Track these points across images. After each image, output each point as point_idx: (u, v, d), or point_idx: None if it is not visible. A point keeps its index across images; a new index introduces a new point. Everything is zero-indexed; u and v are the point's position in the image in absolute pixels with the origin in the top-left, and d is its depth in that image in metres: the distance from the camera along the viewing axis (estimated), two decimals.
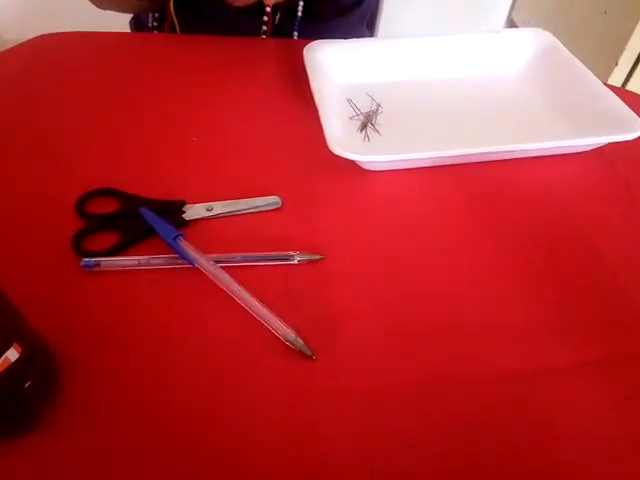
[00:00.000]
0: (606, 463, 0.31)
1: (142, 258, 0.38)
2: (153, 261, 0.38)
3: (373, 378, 0.34)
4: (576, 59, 0.55)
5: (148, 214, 0.40)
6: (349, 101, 0.54)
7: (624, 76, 1.26)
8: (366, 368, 0.34)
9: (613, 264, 0.41)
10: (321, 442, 0.31)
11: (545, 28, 0.59)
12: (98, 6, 0.67)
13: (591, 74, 0.53)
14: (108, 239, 0.40)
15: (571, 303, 0.38)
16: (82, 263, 0.38)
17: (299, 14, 0.69)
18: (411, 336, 0.36)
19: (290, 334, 0.34)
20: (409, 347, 0.35)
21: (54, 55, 0.60)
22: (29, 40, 0.61)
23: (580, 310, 0.38)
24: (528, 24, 1.63)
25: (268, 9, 0.67)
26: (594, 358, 0.35)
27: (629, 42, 1.19)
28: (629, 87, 1.27)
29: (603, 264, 0.41)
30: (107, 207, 0.42)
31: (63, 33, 0.61)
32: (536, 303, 0.38)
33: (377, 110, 0.53)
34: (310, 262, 0.40)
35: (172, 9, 0.69)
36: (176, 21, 0.70)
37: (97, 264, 0.38)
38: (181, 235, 0.39)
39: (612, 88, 0.51)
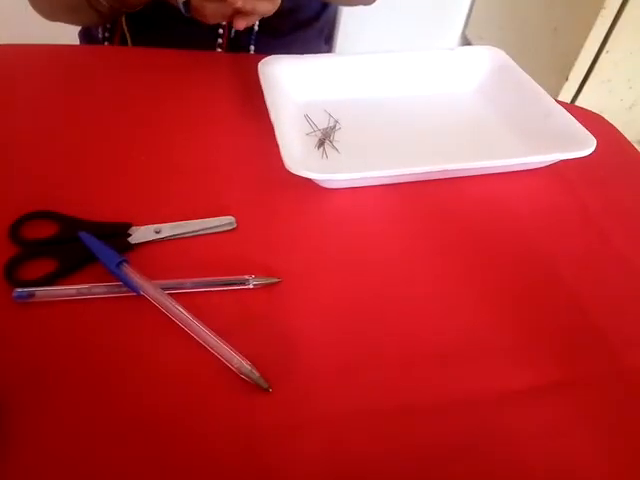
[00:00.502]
0: None
1: (82, 287, 0.35)
2: (94, 290, 0.36)
3: (333, 408, 0.32)
4: (529, 77, 0.56)
5: (88, 238, 0.37)
6: (306, 117, 0.53)
7: (574, 90, 1.31)
8: (325, 398, 0.33)
9: (570, 282, 0.41)
10: (281, 475, 0.29)
11: (497, 44, 0.60)
12: (47, 17, 0.64)
13: (544, 92, 0.54)
14: (44, 266, 0.37)
15: (528, 323, 0.38)
16: (15, 294, 0.35)
17: (255, 28, 0.68)
18: (371, 363, 0.35)
19: (245, 366, 0.32)
20: (369, 375, 0.34)
21: None
22: None
23: (537, 330, 0.38)
24: (481, 40, 1.68)
25: (224, 22, 0.65)
26: (554, 380, 0.35)
27: (578, 58, 1.24)
28: (579, 101, 1.32)
29: (560, 283, 0.41)
30: (44, 231, 0.39)
31: (8, 45, 0.58)
32: (494, 324, 0.38)
33: (335, 127, 0.52)
34: (266, 286, 0.38)
35: (123, 20, 0.66)
36: (127, 33, 0.67)
37: (32, 294, 0.35)
38: (125, 261, 0.36)
39: (564, 105, 0.52)
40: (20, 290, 0.35)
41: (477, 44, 1.69)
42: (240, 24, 0.50)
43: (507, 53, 0.59)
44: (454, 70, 0.59)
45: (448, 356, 0.36)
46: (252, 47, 0.69)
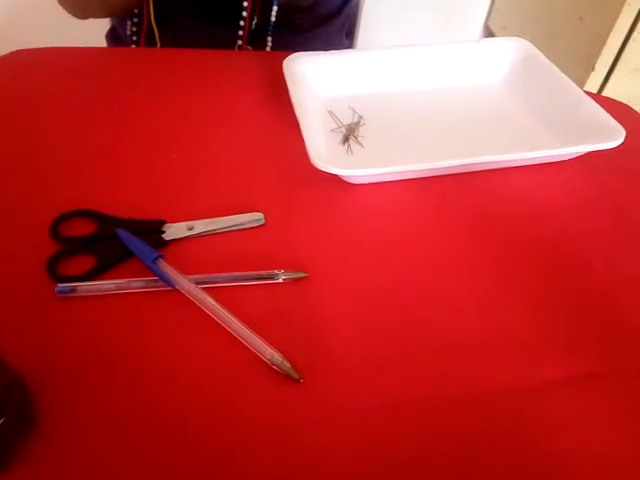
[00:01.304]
0: (606, 478, 0.31)
1: (120, 282, 0.37)
2: (132, 284, 0.37)
3: (363, 399, 0.33)
4: (555, 67, 0.55)
5: (125, 235, 0.38)
6: (331, 113, 0.53)
7: (601, 80, 1.28)
8: (355, 389, 0.33)
9: (602, 274, 0.41)
10: (312, 466, 0.30)
11: (521, 34, 0.59)
12: (80, 15, 0.65)
13: (571, 82, 0.53)
14: (84, 263, 0.38)
15: (561, 316, 0.38)
16: (57, 289, 0.36)
17: (273, 19, 0.68)
18: (401, 354, 0.35)
19: (276, 357, 0.33)
20: (399, 365, 0.35)
21: (29, 71, 0.58)
22: (3, 56, 0.59)
23: (571, 323, 0.38)
24: (504, 30, 1.65)
25: (244, 13, 0.66)
26: (588, 371, 0.35)
27: (605, 46, 1.21)
28: (606, 91, 1.29)
29: (592, 275, 0.41)
30: (83, 229, 0.40)
31: (38, 49, 0.60)
32: (529, 317, 0.38)
33: (359, 122, 0.52)
34: (295, 280, 0.39)
35: (153, 21, 0.67)
36: (157, 35, 0.68)
37: (73, 289, 0.36)
38: (160, 256, 0.37)
39: (591, 95, 0.51)
40: (62, 285, 0.36)
41: (500, 35, 1.66)
42: None
43: (531, 43, 0.58)
44: (479, 62, 0.58)
45: (479, 348, 0.36)
46: (269, 39, 0.70)
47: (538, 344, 0.36)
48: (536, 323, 0.38)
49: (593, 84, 1.28)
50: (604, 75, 1.27)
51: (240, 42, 0.68)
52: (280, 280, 0.38)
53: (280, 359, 0.33)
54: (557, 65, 0.55)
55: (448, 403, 0.33)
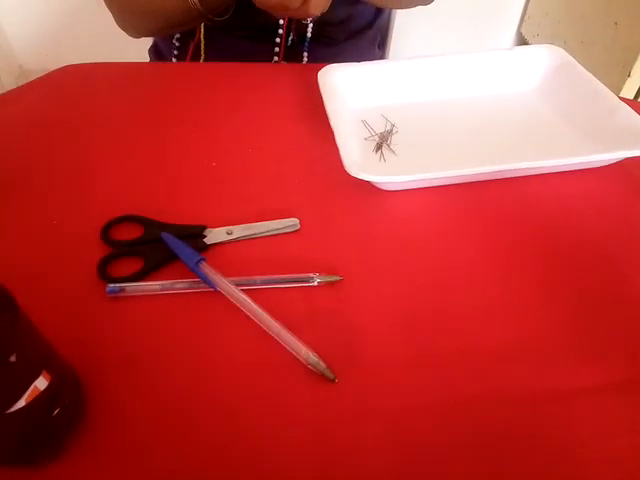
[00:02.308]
0: None
1: (165, 283, 0.39)
2: (176, 285, 0.39)
3: (397, 399, 0.34)
4: (590, 74, 0.55)
5: (170, 239, 0.41)
6: (364, 122, 0.54)
7: (637, 86, 1.25)
8: (389, 389, 0.34)
9: (637, 282, 0.40)
10: (347, 464, 0.31)
11: (554, 41, 0.60)
12: (136, 35, 0.69)
13: (606, 89, 0.53)
14: (132, 265, 0.40)
15: (594, 323, 0.38)
16: (107, 289, 0.38)
17: (308, 35, 0.70)
18: (432, 356, 0.36)
19: (312, 357, 0.34)
20: (430, 367, 0.35)
21: (78, 85, 0.61)
22: (53, 71, 0.63)
23: (604, 330, 0.38)
24: (537, 37, 1.63)
25: (280, 31, 0.68)
26: (620, 379, 0.35)
27: None
28: None
29: (626, 283, 0.41)
30: (131, 233, 0.43)
31: (86, 64, 0.63)
32: (560, 323, 0.38)
33: (392, 130, 0.53)
34: (330, 283, 0.40)
35: (202, 36, 0.70)
36: (203, 55, 0.71)
37: (122, 289, 0.38)
38: (203, 259, 0.39)
39: (627, 102, 0.51)
40: (112, 285, 0.38)
41: (533, 42, 1.64)
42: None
43: (565, 50, 0.58)
44: (513, 70, 0.59)
45: (511, 352, 0.36)
46: (305, 54, 0.72)
47: (569, 350, 0.36)
48: (569, 329, 0.37)
49: (629, 90, 1.25)
50: None
51: (277, 58, 0.71)
52: (315, 283, 0.39)
53: (316, 359, 0.34)
54: (592, 72, 0.55)
55: (479, 405, 0.33)
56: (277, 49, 0.70)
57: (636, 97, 1.27)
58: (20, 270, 0.40)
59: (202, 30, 0.70)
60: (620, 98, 0.52)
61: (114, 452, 0.31)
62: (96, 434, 0.32)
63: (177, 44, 0.73)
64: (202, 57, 0.72)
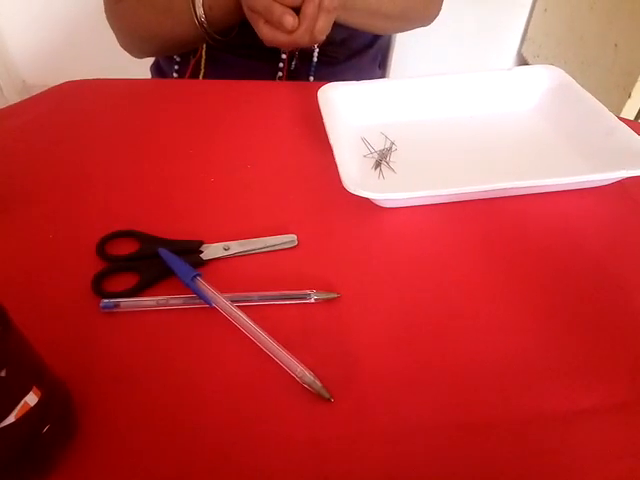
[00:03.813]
0: None
1: (161, 298, 0.39)
2: (171, 301, 0.39)
3: (394, 419, 0.33)
4: (589, 94, 0.55)
5: (167, 254, 0.40)
6: (363, 140, 0.55)
7: (638, 108, 1.26)
8: (386, 409, 0.34)
9: (638, 302, 0.40)
10: None
11: (555, 61, 0.60)
12: (139, 56, 0.70)
13: (605, 109, 0.53)
14: (128, 280, 0.40)
15: (595, 343, 0.38)
16: (102, 304, 0.38)
17: (315, 59, 0.71)
18: (431, 376, 0.35)
19: (308, 376, 0.34)
20: (428, 387, 0.35)
21: (78, 101, 0.62)
22: (54, 87, 0.64)
23: (605, 350, 0.37)
24: (537, 58, 1.65)
25: (284, 55, 0.69)
26: (621, 400, 0.34)
27: None
28: None
29: (627, 303, 0.40)
30: (127, 248, 0.43)
31: (87, 80, 0.64)
32: (560, 343, 0.37)
33: (391, 148, 0.54)
34: (327, 301, 0.39)
35: (204, 55, 0.71)
36: (203, 70, 0.72)
37: (117, 305, 0.38)
38: (199, 275, 0.39)
39: (627, 122, 0.51)
40: (107, 301, 0.38)
41: (533, 62, 1.66)
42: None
43: (565, 71, 0.59)
44: (512, 90, 0.59)
45: (510, 374, 0.36)
46: (311, 78, 0.73)
47: (570, 371, 0.36)
48: (568, 349, 0.37)
49: (630, 111, 1.26)
50: None
51: (280, 74, 0.72)
52: (312, 300, 0.39)
53: (311, 378, 0.34)
54: (592, 93, 0.55)
55: (477, 426, 0.33)
56: (280, 73, 0.71)
57: (636, 118, 1.27)
58: (14, 283, 0.40)
59: (204, 47, 0.71)
60: (620, 118, 0.52)
61: (105, 470, 0.31)
62: (87, 451, 0.31)
63: (178, 59, 0.74)
64: (202, 72, 0.72)
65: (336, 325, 0.38)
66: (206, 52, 0.71)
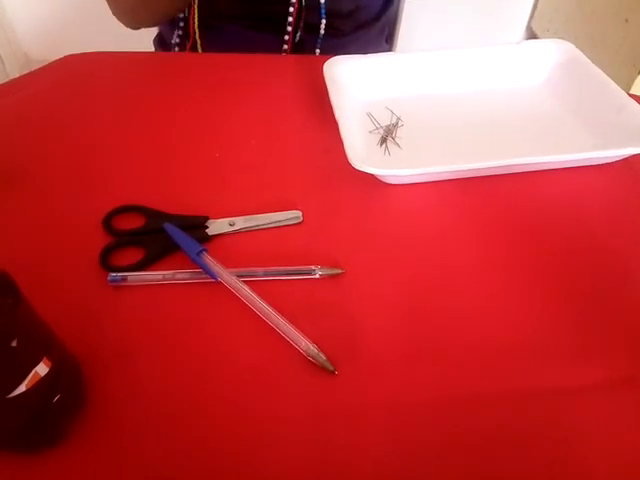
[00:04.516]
0: None
1: (167, 273, 0.39)
2: (177, 276, 0.39)
3: (396, 393, 0.34)
4: (599, 70, 0.54)
5: (173, 229, 0.41)
6: (369, 115, 0.54)
7: None
8: (388, 383, 0.34)
9: None
10: (344, 457, 0.31)
11: (565, 36, 0.59)
12: (132, 25, 0.69)
13: (614, 84, 0.52)
14: (134, 254, 0.40)
15: (600, 319, 0.38)
16: (109, 278, 0.38)
17: (321, 32, 0.70)
18: (433, 351, 0.36)
19: (312, 349, 0.34)
20: (431, 362, 0.35)
21: (80, 75, 0.61)
22: (55, 60, 0.63)
23: (609, 326, 0.37)
24: (547, 32, 1.62)
25: (289, 28, 0.68)
26: (623, 376, 0.35)
27: None
28: None
29: (631, 279, 0.40)
30: (133, 223, 0.43)
31: (89, 53, 0.63)
32: (563, 320, 0.38)
33: (397, 123, 0.53)
34: (331, 276, 0.40)
35: (196, 27, 0.70)
36: (199, 41, 0.71)
37: (124, 279, 0.38)
38: (204, 250, 0.39)
39: (636, 98, 0.50)
40: (114, 275, 0.38)
41: (543, 37, 1.63)
42: None
43: (575, 46, 0.58)
44: (521, 64, 0.58)
45: (515, 349, 0.36)
46: (318, 51, 0.72)
47: (575, 347, 0.36)
48: (571, 326, 0.37)
49: (639, 87, 1.24)
50: None
51: (285, 47, 0.70)
52: (317, 276, 0.39)
53: (316, 351, 0.34)
54: (602, 68, 0.54)
55: (479, 402, 0.33)
56: (286, 38, 0.70)
57: None
58: (22, 259, 0.40)
59: (196, 21, 0.69)
60: (630, 95, 0.51)
61: (113, 440, 0.31)
62: (95, 422, 0.32)
63: (180, 32, 0.73)
64: (199, 50, 0.71)
65: (340, 300, 0.38)
66: (203, 22, 0.69)
